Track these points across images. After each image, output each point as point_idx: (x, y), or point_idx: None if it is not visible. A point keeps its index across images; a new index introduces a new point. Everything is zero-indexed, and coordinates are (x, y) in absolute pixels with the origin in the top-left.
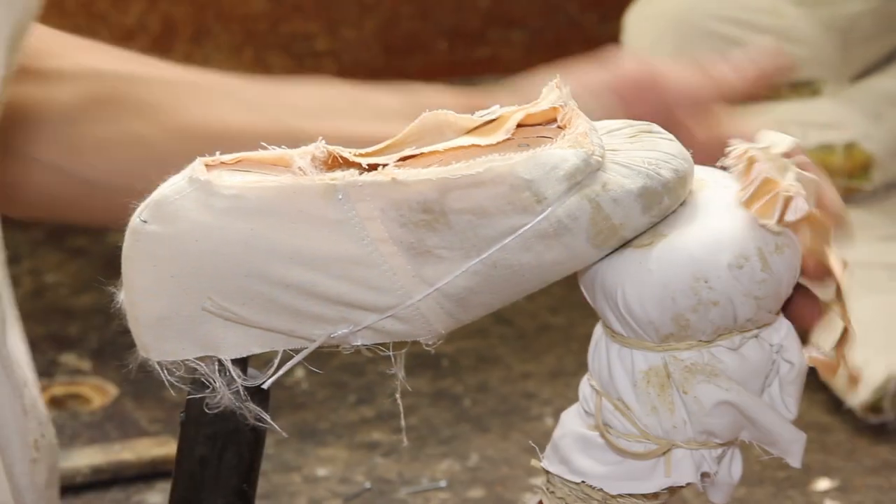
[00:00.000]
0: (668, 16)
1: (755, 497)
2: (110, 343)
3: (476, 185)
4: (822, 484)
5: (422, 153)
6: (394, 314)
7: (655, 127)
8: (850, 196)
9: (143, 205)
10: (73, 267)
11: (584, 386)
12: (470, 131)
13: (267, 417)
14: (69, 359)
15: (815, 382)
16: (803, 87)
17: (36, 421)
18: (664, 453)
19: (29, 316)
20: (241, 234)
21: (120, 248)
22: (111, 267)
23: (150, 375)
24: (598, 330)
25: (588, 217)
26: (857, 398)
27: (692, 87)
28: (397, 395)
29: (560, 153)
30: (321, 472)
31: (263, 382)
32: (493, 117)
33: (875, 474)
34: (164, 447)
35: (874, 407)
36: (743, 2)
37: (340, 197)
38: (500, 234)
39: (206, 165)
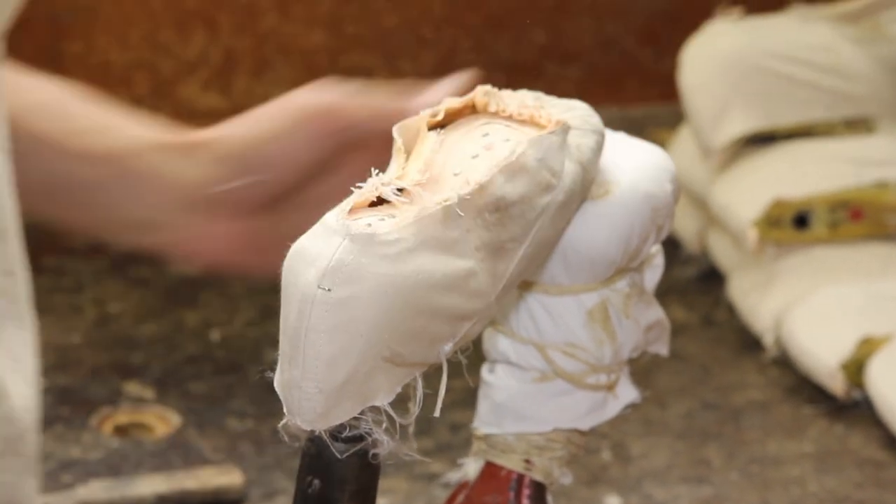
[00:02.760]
0: (725, 52)
1: None
2: (173, 372)
3: (516, 174)
4: None
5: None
6: (479, 317)
7: (542, 94)
8: None
9: (316, 276)
10: (136, 296)
11: (507, 348)
12: (432, 128)
13: (418, 456)
14: (132, 387)
15: (871, 419)
16: (858, 124)
17: None
18: (616, 379)
19: (92, 344)
20: (412, 274)
21: (183, 279)
22: (173, 297)
23: (212, 404)
24: (516, 300)
25: (580, 178)
26: None
27: (377, 117)
28: (437, 405)
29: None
30: (382, 502)
31: (410, 419)
32: (440, 113)
33: None
34: (228, 476)
35: None
36: (798, 39)
37: (461, 214)
38: (537, 215)
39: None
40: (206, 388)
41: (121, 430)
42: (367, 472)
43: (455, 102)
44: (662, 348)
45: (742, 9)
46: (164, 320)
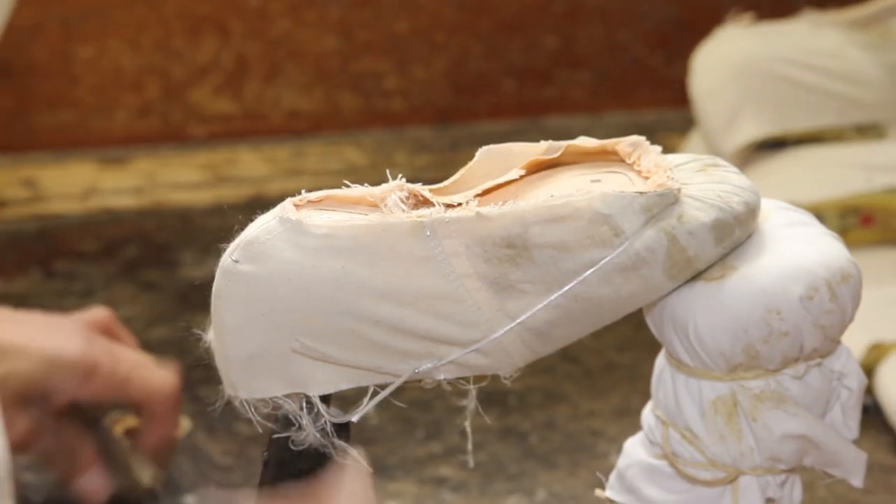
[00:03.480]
0: (735, 58)
1: None
2: (183, 376)
3: (556, 219)
4: None
5: (498, 185)
6: (478, 348)
7: (721, 160)
8: None
9: (233, 245)
10: (146, 300)
11: (648, 416)
12: (535, 162)
13: (354, 453)
14: None
15: (879, 424)
16: (869, 130)
17: None
18: (732, 481)
19: None
20: (332, 273)
21: (193, 283)
22: (184, 301)
23: (222, 409)
24: (661, 360)
25: (665, 250)
26: None
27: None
28: (466, 425)
29: (637, 188)
30: None
31: (351, 417)
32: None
33: None
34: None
35: None
36: (808, 45)
37: (428, 234)
38: (581, 268)
39: (295, 205)
40: (216, 392)
41: (131, 434)
42: (304, 457)
43: (590, 143)
44: (852, 478)
45: (753, 14)
46: (174, 324)
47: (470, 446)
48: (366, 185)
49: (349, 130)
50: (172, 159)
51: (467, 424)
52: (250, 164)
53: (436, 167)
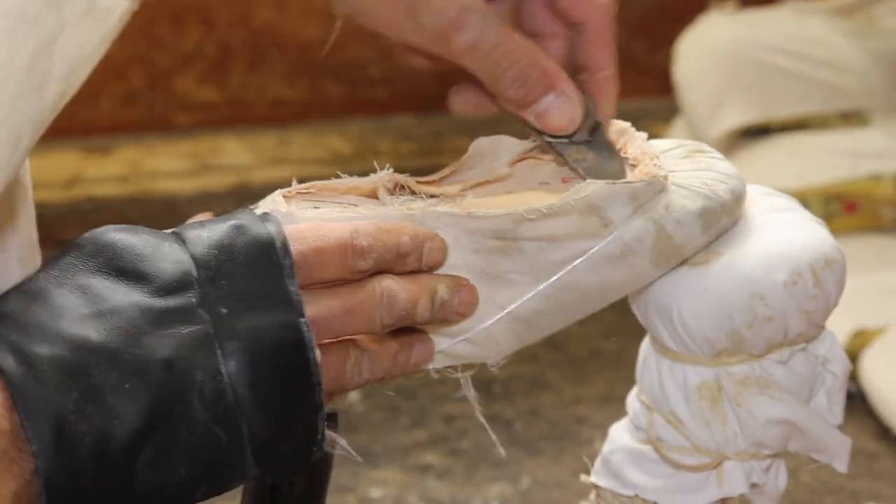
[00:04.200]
0: (720, 45)
1: None
2: None
3: (548, 216)
4: None
5: (487, 181)
6: (466, 338)
7: (706, 146)
8: None
9: None
10: None
11: (634, 401)
12: (525, 154)
13: (343, 442)
14: None
15: (863, 410)
16: (853, 117)
17: None
18: (716, 466)
19: None
20: None
21: None
22: None
23: None
24: (646, 346)
25: (652, 238)
26: None
27: None
28: (478, 415)
29: (625, 178)
30: (375, 493)
31: (337, 407)
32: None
33: None
34: None
35: None
36: (793, 33)
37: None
38: (570, 258)
39: (284, 196)
40: None
41: None
42: None
43: None
44: (836, 463)
45: (736, 2)
46: None
47: (493, 436)
48: (354, 176)
49: (334, 119)
50: (157, 148)
51: (479, 414)
52: (235, 152)
53: (420, 156)
